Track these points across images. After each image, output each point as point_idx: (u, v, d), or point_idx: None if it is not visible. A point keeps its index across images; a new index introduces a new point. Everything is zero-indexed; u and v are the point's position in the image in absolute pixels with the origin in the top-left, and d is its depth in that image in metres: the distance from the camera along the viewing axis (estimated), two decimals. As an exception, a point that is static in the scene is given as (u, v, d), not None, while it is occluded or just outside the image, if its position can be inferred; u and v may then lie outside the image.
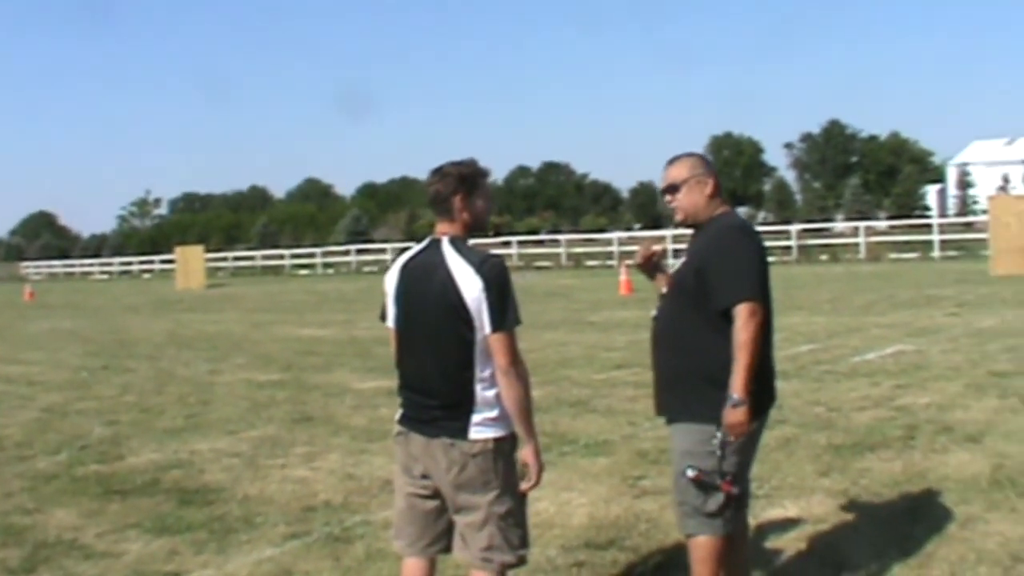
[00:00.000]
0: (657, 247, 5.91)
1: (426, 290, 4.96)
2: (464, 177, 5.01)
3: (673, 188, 5.56)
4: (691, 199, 5.52)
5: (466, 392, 4.90)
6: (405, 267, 5.12)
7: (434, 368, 4.98)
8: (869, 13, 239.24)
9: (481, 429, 4.89)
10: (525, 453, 4.99)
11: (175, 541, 7.67)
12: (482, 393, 4.91)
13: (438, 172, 5.06)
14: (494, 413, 4.91)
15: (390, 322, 5.19)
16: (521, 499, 5.04)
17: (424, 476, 5.02)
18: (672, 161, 5.64)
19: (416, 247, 5.17)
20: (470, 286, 4.82)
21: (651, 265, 5.85)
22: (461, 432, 4.89)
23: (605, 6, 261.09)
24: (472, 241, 5.10)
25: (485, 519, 4.91)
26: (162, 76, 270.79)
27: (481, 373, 4.90)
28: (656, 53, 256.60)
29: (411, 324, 5.08)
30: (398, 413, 5.21)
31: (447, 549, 5.11)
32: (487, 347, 4.87)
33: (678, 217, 5.62)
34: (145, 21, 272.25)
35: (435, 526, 5.08)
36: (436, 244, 5.01)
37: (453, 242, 4.97)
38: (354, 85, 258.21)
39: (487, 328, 4.84)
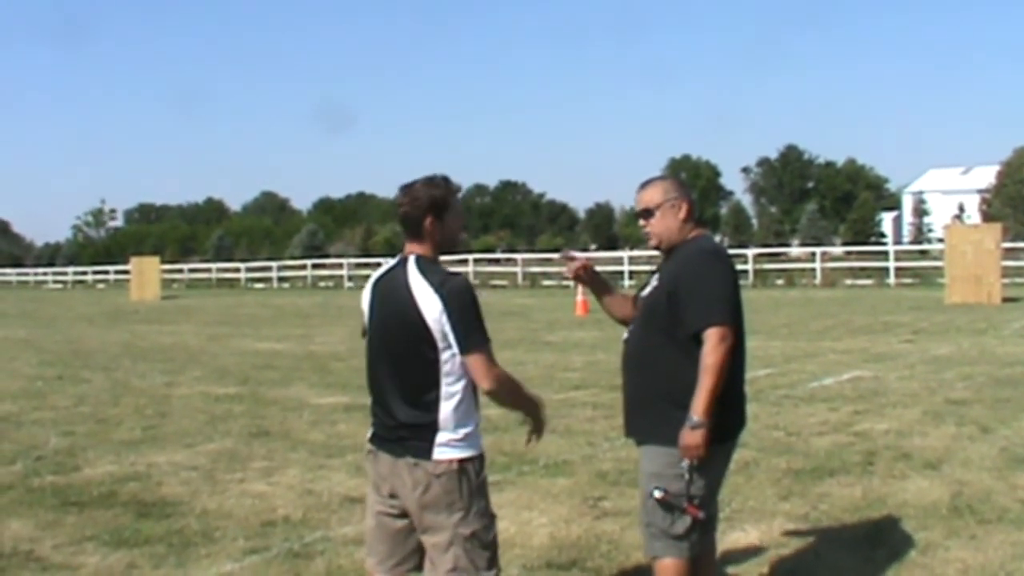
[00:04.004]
0: (574, 254, 5.86)
1: (390, 308, 4.95)
2: (435, 201, 4.94)
3: (647, 213, 5.55)
4: (664, 223, 5.51)
5: (430, 412, 4.86)
6: (376, 284, 5.11)
7: (398, 387, 4.95)
8: (828, 40, 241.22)
9: (445, 450, 4.86)
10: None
11: (133, 554, 7.58)
12: (447, 413, 4.86)
13: (408, 192, 4.98)
14: (459, 434, 4.88)
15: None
16: (489, 521, 5.01)
17: (392, 495, 4.99)
18: (645, 185, 5.61)
19: (388, 264, 5.15)
20: (430, 306, 4.79)
21: (588, 275, 5.81)
22: (425, 452, 4.85)
23: (564, 28, 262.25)
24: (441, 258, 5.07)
25: (450, 540, 4.86)
26: (119, 86, 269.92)
27: (447, 393, 4.87)
28: (615, 74, 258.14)
29: (377, 342, 5.06)
30: (369, 431, 5.19)
31: (418, 568, 5.07)
32: (454, 367, 4.85)
33: (652, 242, 5.60)
34: (103, 32, 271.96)
35: (405, 545, 5.05)
36: (403, 262, 4.98)
37: (418, 261, 4.93)
38: (316, 101, 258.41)
39: (456, 350, 4.81)
